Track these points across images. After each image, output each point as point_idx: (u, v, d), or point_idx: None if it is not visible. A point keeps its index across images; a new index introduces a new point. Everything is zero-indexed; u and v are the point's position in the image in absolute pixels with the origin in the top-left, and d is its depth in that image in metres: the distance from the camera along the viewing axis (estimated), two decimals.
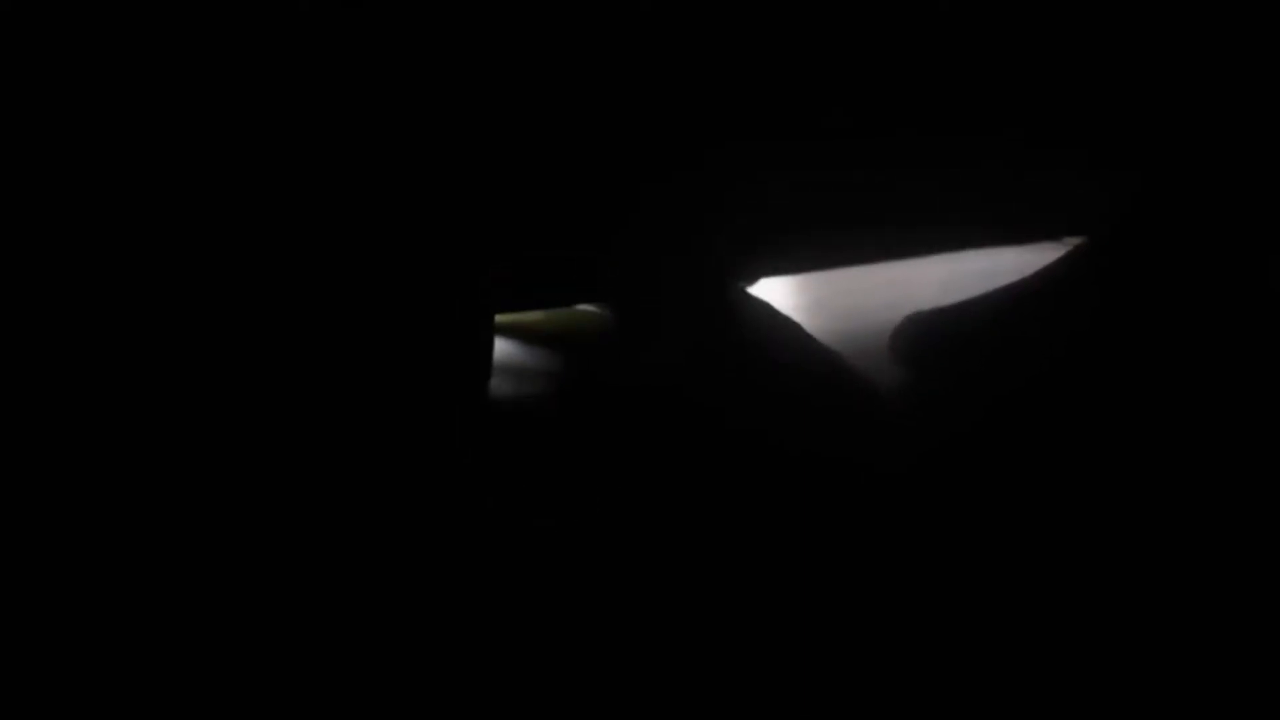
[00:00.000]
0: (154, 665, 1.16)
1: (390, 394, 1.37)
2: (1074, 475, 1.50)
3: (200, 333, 1.33)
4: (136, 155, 1.30)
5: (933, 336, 1.68)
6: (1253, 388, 1.59)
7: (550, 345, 1.59)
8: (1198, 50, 1.58)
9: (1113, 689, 1.25)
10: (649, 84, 1.45)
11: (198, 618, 1.21)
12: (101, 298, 1.31)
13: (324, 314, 1.36)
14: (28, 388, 1.29)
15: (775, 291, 1.69)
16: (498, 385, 1.53)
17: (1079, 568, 1.39)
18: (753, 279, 1.67)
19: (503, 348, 1.56)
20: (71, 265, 1.30)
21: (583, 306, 1.61)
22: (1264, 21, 1.58)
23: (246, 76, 1.32)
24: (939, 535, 1.43)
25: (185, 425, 1.31)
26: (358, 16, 1.34)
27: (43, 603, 1.21)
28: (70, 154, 1.29)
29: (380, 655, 1.19)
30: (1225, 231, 1.66)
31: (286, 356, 1.36)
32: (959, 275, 1.70)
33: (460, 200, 1.42)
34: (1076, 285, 1.69)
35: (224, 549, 1.27)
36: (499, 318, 1.50)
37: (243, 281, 1.34)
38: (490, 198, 1.43)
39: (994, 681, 1.25)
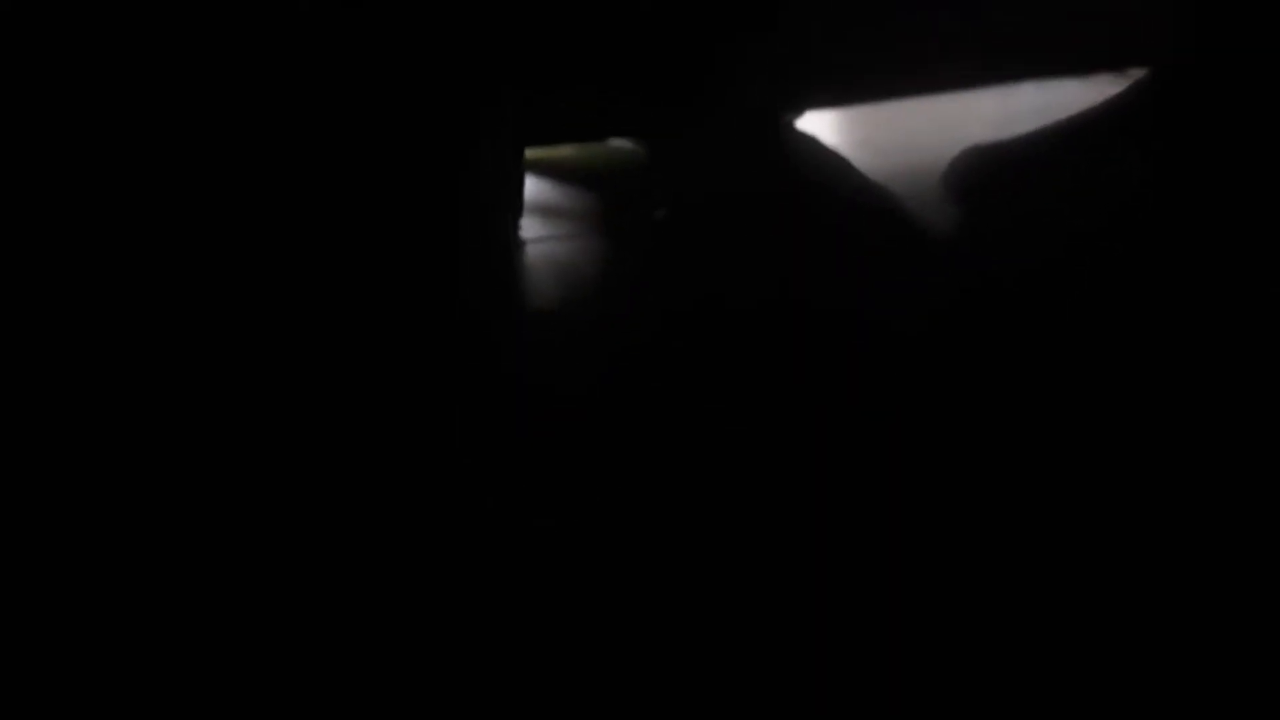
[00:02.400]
0: (154, 665, 1.15)
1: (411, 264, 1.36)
2: (1131, 309, 1.47)
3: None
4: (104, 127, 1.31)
5: (986, 172, 1.64)
6: None
7: (582, 182, 1.55)
8: None
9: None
10: None
11: (194, 615, 1.19)
12: (98, 290, 1.32)
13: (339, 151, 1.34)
14: (26, 387, 1.29)
15: (822, 126, 1.65)
16: (528, 226, 1.50)
17: (1128, 407, 1.35)
18: (798, 113, 1.64)
19: (533, 185, 1.52)
20: (68, 263, 1.31)
21: (617, 141, 1.57)
22: None
23: None
24: (989, 370, 1.40)
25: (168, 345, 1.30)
26: None
27: (43, 603, 1.19)
28: (70, 154, 1.31)
29: (379, 653, 1.16)
30: None
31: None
32: (1014, 110, 1.67)
33: (488, 30, 1.38)
34: (1137, 119, 1.64)
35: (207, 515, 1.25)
36: (529, 152, 1.46)
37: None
38: (520, 26, 1.40)
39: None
